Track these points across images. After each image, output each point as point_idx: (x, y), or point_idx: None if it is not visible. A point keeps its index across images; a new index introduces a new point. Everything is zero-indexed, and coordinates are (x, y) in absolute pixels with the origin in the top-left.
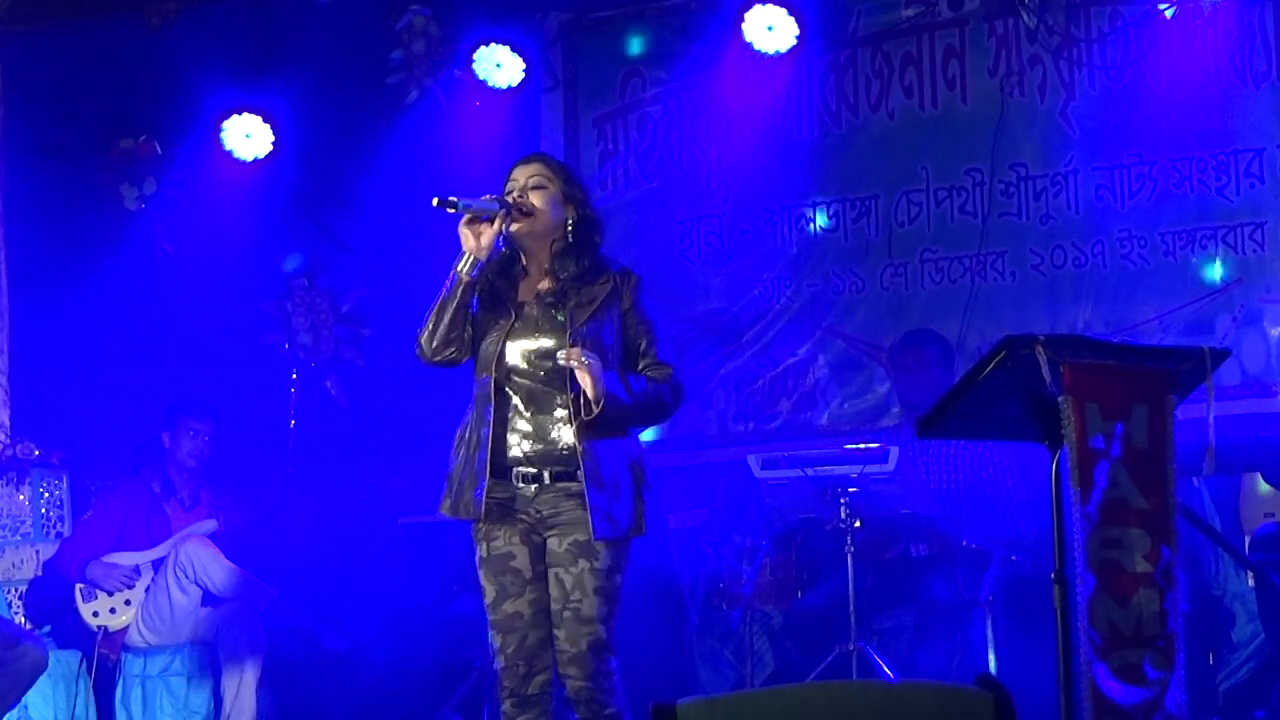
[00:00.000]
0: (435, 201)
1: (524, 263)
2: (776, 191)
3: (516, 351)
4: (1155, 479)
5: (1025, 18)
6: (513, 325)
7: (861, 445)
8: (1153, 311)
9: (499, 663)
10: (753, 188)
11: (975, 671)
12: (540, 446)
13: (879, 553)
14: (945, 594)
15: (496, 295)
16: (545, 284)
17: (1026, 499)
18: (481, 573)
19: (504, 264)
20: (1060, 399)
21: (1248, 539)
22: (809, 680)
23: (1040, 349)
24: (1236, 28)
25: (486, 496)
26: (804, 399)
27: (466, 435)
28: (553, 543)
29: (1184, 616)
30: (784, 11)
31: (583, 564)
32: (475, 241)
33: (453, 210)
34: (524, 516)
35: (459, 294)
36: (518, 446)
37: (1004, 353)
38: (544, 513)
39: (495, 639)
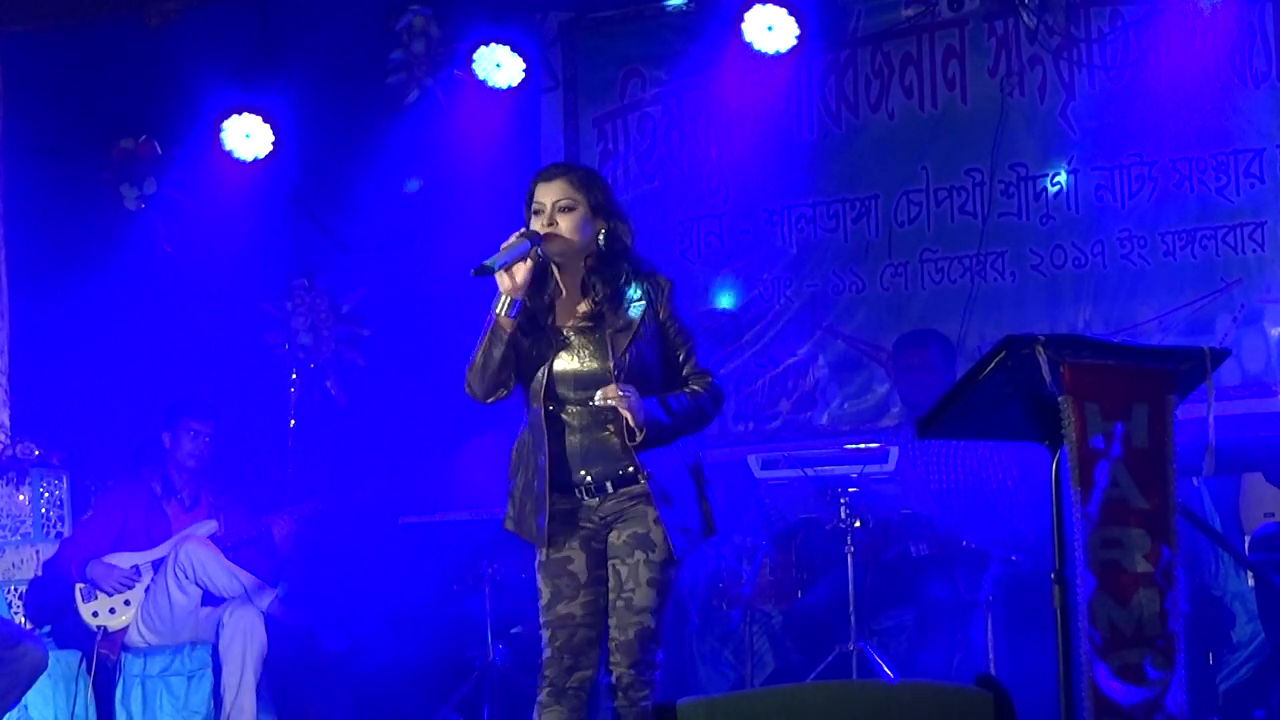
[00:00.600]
0: (474, 273)
1: (557, 279)
2: (776, 191)
3: (562, 380)
4: (1155, 479)
5: (1025, 18)
6: (557, 354)
7: (861, 445)
8: (1153, 311)
9: (545, 654)
10: (753, 188)
11: (975, 671)
12: (600, 466)
13: (879, 553)
14: (945, 594)
15: (535, 320)
16: (582, 306)
17: (1026, 499)
18: (539, 575)
19: (536, 287)
20: (1060, 399)
21: (1248, 539)
22: (809, 680)
23: (1040, 349)
24: (1236, 28)
25: (550, 508)
26: (804, 399)
27: (524, 457)
28: (613, 536)
29: (1184, 616)
30: (784, 11)
31: (639, 555)
32: (511, 282)
33: (491, 274)
34: (587, 524)
35: (504, 337)
36: (580, 468)
37: (1004, 353)
38: (608, 518)
39: (545, 634)
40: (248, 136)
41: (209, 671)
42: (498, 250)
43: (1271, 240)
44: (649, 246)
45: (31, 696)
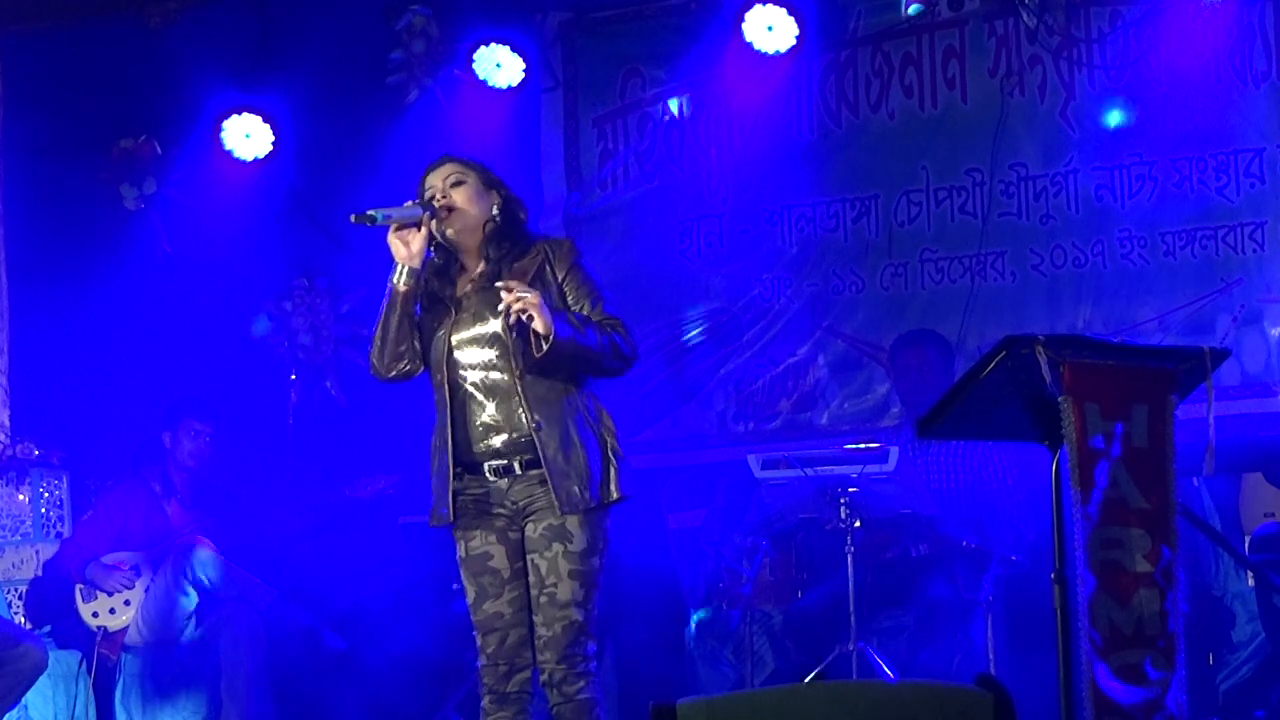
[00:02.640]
0: (353, 218)
1: (461, 260)
2: (776, 191)
3: (463, 344)
4: (1155, 479)
5: (1025, 18)
6: (455, 320)
7: (861, 445)
8: (1153, 311)
9: (480, 660)
10: (753, 188)
11: (975, 671)
12: (505, 436)
13: (879, 553)
14: (945, 594)
15: (435, 297)
16: (480, 269)
17: (1026, 499)
18: (462, 572)
19: (440, 268)
20: (1060, 399)
21: (1248, 539)
22: (809, 680)
23: (1040, 349)
24: (1236, 27)
25: (462, 494)
26: (804, 399)
27: (436, 441)
28: (529, 529)
29: (1184, 616)
30: (784, 11)
31: (556, 547)
32: (406, 250)
33: (373, 224)
34: (501, 510)
35: (399, 305)
36: (484, 440)
37: (1004, 353)
38: (520, 503)
39: (477, 637)
40: (248, 136)
41: (209, 671)
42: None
43: (1271, 240)
44: (649, 246)
45: (31, 696)
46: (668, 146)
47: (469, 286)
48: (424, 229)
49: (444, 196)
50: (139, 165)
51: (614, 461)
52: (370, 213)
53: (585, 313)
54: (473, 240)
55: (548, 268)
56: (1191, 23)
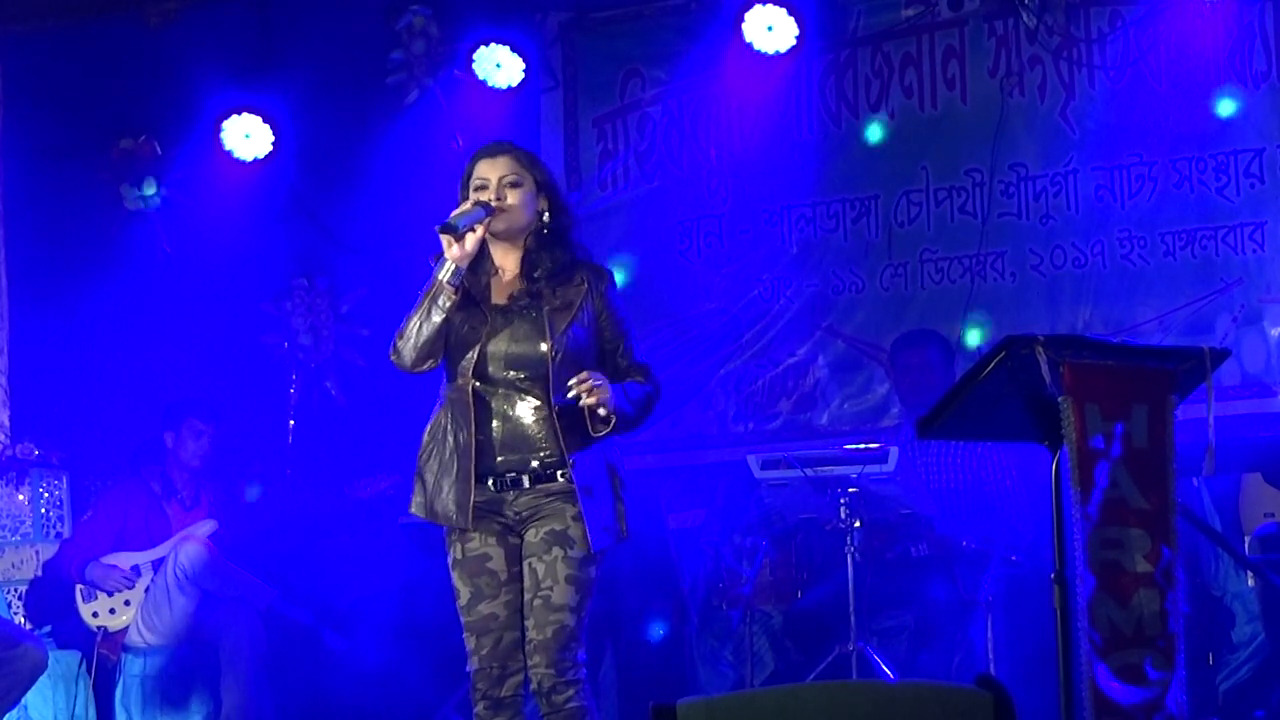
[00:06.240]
0: (439, 229)
1: (494, 260)
2: (776, 191)
3: (493, 356)
4: (1155, 479)
5: (1025, 18)
6: (494, 330)
7: (861, 445)
8: (1153, 311)
9: (473, 664)
10: (753, 188)
11: (975, 671)
12: (518, 453)
13: (879, 553)
14: (945, 594)
15: (469, 296)
16: (519, 284)
17: (1026, 499)
18: (455, 574)
19: (473, 262)
20: (1060, 399)
21: (1248, 539)
22: (809, 680)
23: (1040, 349)
24: (1236, 27)
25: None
26: (804, 399)
27: (440, 437)
28: (529, 534)
29: (1184, 616)
30: (784, 11)
31: (556, 551)
32: (461, 250)
33: (455, 232)
34: (502, 519)
35: (445, 304)
36: (496, 452)
37: (1004, 353)
38: (523, 514)
39: (469, 641)
40: (248, 136)
41: (209, 671)
42: (449, 217)
43: (1271, 240)
44: (649, 246)
45: (31, 696)
46: (668, 146)
47: (506, 297)
48: (480, 230)
49: (498, 197)
50: (139, 165)
51: (622, 498)
52: (451, 221)
53: (619, 354)
54: (512, 243)
55: (591, 300)
56: (1191, 23)
